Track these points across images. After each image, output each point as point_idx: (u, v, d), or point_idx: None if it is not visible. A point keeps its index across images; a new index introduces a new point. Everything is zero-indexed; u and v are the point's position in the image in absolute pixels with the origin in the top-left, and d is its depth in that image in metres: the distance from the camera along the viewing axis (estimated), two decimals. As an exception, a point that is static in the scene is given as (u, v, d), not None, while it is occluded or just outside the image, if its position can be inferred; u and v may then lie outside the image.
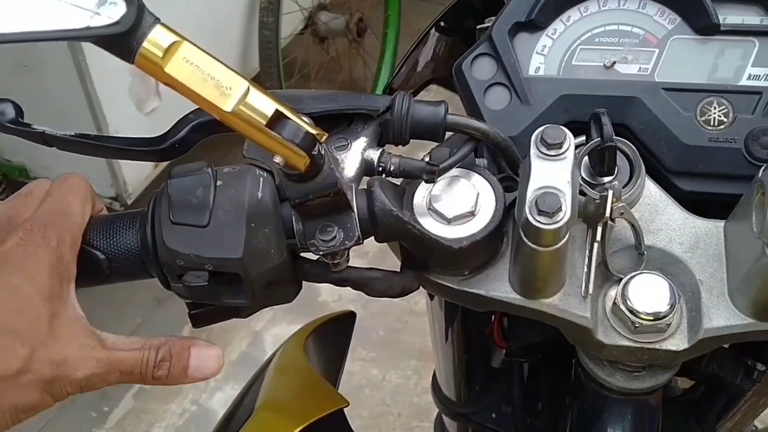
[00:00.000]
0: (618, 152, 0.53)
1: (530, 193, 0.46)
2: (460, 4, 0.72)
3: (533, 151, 0.48)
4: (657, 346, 0.52)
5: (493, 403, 0.82)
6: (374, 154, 0.52)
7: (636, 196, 0.54)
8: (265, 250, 0.48)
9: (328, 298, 2.28)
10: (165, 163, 2.16)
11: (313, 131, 0.43)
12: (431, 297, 0.80)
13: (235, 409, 0.67)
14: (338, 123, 0.53)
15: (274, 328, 2.21)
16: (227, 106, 0.40)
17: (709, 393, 0.75)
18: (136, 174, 2.15)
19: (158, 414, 2.05)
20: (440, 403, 0.88)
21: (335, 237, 0.49)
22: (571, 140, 0.48)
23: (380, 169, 0.52)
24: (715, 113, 0.56)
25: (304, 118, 0.43)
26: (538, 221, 0.46)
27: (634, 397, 0.59)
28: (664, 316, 0.51)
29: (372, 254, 1.85)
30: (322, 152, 0.45)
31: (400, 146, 0.54)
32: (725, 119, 0.56)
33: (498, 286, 0.53)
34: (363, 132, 0.52)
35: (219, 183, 0.48)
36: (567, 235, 0.47)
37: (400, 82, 0.71)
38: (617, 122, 0.55)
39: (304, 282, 0.55)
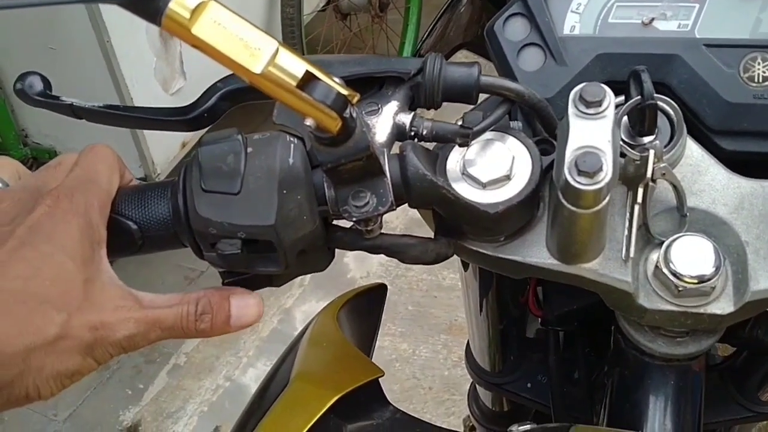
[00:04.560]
0: (659, 111, 0.51)
1: (569, 154, 0.45)
2: (490, -34, 0.70)
3: (571, 109, 0.46)
4: (701, 311, 0.51)
5: (529, 372, 0.81)
6: (406, 118, 0.51)
7: (678, 157, 0.52)
8: (298, 216, 0.48)
9: (356, 274, 2.28)
10: (192, 143, 2.18)
11: (344, 92, 0.42)
12: (465, 267, 0.79)
13: (270, 380, 0.67)
14: (368, 87, 0.52)
15: (304, 305, 2.22)
16: (257, 67, 0.39)
17: (750, 360, 0.74)
18: (164, 154, 2.16)
19: (192, 390, 2.07)
20: (474, 374, 0.87)
21: (368, 203, 0.48)
22: (611, 97, 0.46)
23: (412, 133, 0.51)
24: (759, 69, 0.54)
25: (336, 79, 0.42)
26: (579, 182, 0.44)
27: (677, 363, 0.57)
28: (709, 279, 0.49)
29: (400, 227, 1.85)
30: (354, 115, 0.44)
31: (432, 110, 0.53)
32: (770, 75, 0.54)
33: (535, 251, 0.52)
34: (394, 96, 0.51)
35: (249, 150, 0.48)
36: (608, 197, 0.46)
37: (429, 48, 0.70)
38: (657, 81, 0.53)
39: (332, 259, 0.54)
